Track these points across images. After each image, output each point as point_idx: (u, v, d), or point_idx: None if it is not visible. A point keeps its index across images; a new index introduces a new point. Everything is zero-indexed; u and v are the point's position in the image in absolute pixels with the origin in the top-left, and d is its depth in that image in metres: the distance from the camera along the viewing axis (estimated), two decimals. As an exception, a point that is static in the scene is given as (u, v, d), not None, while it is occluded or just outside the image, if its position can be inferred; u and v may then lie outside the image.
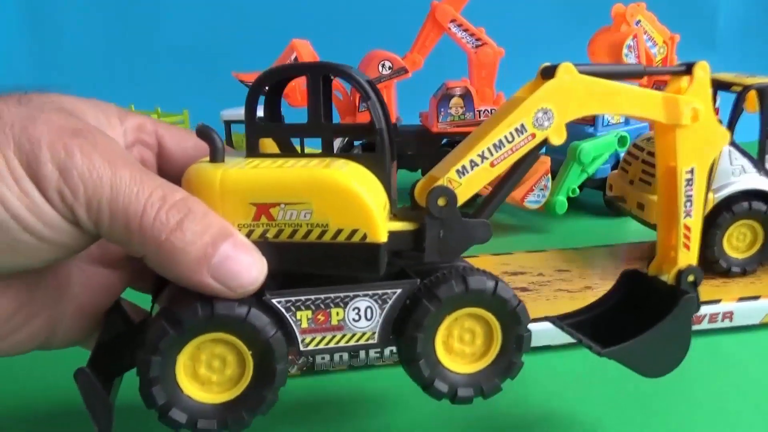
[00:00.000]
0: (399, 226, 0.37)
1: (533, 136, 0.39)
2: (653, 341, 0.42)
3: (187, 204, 0.33)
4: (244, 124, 0.38)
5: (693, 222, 0.43)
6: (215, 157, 0.36)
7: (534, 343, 0.59)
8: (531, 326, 0.59)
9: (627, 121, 1.10)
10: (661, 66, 1.16)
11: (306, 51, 1.18)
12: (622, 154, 0.94)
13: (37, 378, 0.56)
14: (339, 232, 0.35)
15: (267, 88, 0.40)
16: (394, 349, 0.56)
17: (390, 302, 0.37)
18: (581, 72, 0.39)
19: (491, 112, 1.15)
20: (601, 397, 0.53)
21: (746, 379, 0.56)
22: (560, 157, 1.00)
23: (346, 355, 0.56)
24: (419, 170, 1.21)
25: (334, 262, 0.35)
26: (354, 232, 0.35)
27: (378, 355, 0.57)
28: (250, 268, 0.33)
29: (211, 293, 0.33)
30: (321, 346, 0.37)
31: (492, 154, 0.39)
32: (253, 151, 0.38)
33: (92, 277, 0.40)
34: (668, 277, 0.44)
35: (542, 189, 0.95)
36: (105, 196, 0.31)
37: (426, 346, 0.37)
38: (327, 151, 0.38)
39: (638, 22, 1.23)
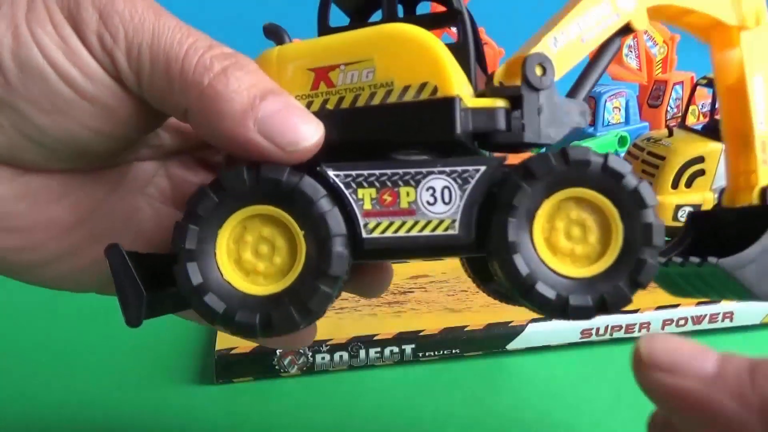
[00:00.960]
0: (486, 102, 0.31)
1: (618, 15, 0.35)
2: (763, 256, 0.35)
3: (235, 56, 0.29)
4: None
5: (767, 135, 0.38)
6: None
7: (534, 343, 0.60)
8: (531, 326, 0.59)
9: (627, 121, 1.10)
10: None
11: (306, 51, 1.18)
12: (622, 154, 0.94)
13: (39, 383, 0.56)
14: (406, 89, 0.30)
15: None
16: (395, 349, 0.57)
17: (472, 183, 0.30)
18: None
19: (491, 112, 1.15)
20: (601, 397, 0.53)
21: (746, 379, 0.56)
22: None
23: (346, 355, 0.56)
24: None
25: (404, 126, 0.30)
26: (423, 86, 0.30)
27: (378, 355, 0.57)
28: (305, 125, 0.29)
29: (258, 153, 0.29)
30: (388, 233, 0.30)
31: (580, 28, 0.34)
32: None
33: (164, 216, 0.36)
34: (754, 197, 0.39)
35: (542, 189, 0.95)
36: (146, 41, 0.28)
37: (521, 236, 0.29)
38: None
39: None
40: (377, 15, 0.36)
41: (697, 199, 0.69)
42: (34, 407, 0.52)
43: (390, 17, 0.33)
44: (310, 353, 0.55)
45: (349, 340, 0.56)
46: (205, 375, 0.56)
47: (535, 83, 0.31)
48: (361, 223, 0.30)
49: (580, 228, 0.30)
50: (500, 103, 0.32)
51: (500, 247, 0.29)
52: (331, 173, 0.30)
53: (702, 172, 0.69)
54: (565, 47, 0.34)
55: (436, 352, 0.58)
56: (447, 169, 0.30)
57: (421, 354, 0.58)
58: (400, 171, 0.30)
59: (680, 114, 1.14)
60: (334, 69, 0.30)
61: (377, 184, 0.30)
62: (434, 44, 0.30)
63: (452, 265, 0.76)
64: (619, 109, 1.09)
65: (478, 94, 0.32)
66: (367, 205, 0.30)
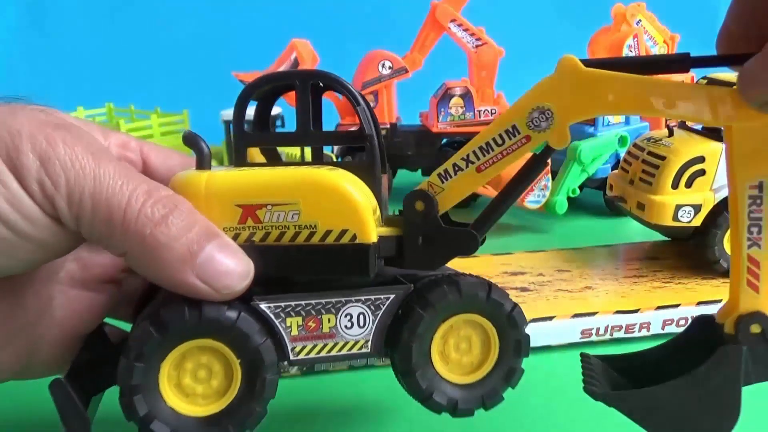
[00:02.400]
0: (384, 231, 0.36)
1: (528, 138, 0.34)
2: (671, 399, 0.34)
3: (172, 200, 0.31)
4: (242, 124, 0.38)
5: (763, 255, 0.32)
6: (202, 164, 0.35)
7: (534, 343, 0.60)
8: (531, 326, 0.59)
9: (627, 121, 1.10)
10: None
11: (306, 51, 1.18)
12: (622, 154, 0.94)
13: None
14: (328, 233, 0.33)
15: (257, 96, 0.39)
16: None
17: (383, 308, 0.35)
18: (588, 65, 0.33)
19: (491, 112, 1.16)
20: (601, 397, 0.52)
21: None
22: (560, 157, 1.00)
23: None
24: (419, 170, 1.21)
25: (324, 265, 0.34)
26: (343, 232, 0.33)
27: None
28: (237, 268, 0.32)
29: (195, 294, 0.31)
30: (312, 354, 0.35)
31: (478, 158, 0.35)
32: (240, 160, 0.37)
33: (74, 300, 0.38)
34: (726, 324, 0.35)
35: (542, 189, 0.95)
36: (87, 188, 0.29)
37: (421, 356, 0.36)
38: (316, 160, 0.38)
39: (639, 21, 1.23)
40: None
41: (698, 199, 0.69)
42: (33, 406, 0.52)
43: (304, 122, 0.36)
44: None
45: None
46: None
47: (412, 218, 0.36)
48: (289, 347, 0.35)
49: (467, 342, 0.37)
50: (393, 232, 0.36)
51: (405, 368, 0.36)
52: (263, 306, 0.34)
53: (702, 172, 0.69)
54: (456, 179, 0.36)
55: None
56: (362, 297, 0.35)
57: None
58: (323, 301, 0.35)
59: (680, 114, 1.14)
60: (261, 208, 0.33)
61: (303, 312, 0.34)
62: (355, 197, 0.33)
63: (452, 265, 0.76)
64: (619, 109, 1.09)
65: (386, 219, 0.37)
66: (294, 332, 0.34)
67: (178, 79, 1.76)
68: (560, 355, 0.60)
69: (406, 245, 0.36)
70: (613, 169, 1.02)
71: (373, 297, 0.35)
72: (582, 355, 0.40)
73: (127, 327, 0.42)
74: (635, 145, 0.81)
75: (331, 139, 0.38)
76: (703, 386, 0.34)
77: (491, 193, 1.00)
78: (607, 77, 0.32)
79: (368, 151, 0.37)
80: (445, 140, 1.19)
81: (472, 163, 0.35)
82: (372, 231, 0.34)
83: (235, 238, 0.33)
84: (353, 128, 0.39)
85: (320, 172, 0.34)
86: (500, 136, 0.35)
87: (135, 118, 1.38)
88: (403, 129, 1.19)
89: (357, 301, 0.35)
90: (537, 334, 0.60)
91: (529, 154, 0.36)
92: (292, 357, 0.35)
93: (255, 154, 0.40)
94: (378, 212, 0.37)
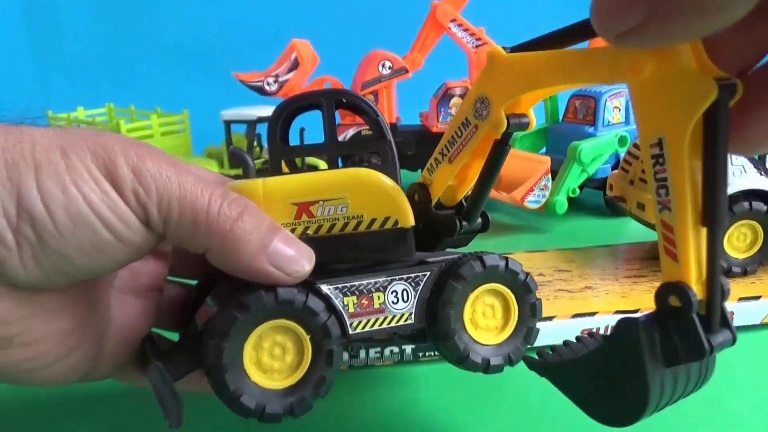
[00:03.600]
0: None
1: (476, 127, 0.39)
2: (589, 372, 0.34)
3: (243, 201, 0.36)
4: (243, 124, 0.40)
5: (676, 218, 0.29)
6: (248, 175, 0.40)
7: (534, 343, 0.60)
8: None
9: (627, 121, 1.10)
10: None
11: (306, 51, 1.18)
12: (622, 154, 0.94)
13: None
14: (373, 221, 0.39)
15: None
16: (395, 349, 0.57)
17: (422, 284, 0.41)
18: (513, 50, 0.36)
19: (491, 112, 1.16)
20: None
21: (746, 379, 0.56)
22: (560, 157, 1.00)
23: (346, 355, 0.56)
24: (419, 170, 1.21)
25: (371, 249, 0.39)
26: (386, 219, 0.39)
27: (378, 355, 0.57)
28: (301, 255, 0.37)
29: (269, 279, 0.36)
30: (368, 328, 0.40)
31: (448, 150, 0.41)
32: (277, 172, 0.41)
33: (128, 305, 0.41)
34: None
35: (542, 189, 0.95)
36: (174, 194, 0.34)
37: (457, 322, 0.41)
38: (332, 166, 0.42)
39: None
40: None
41: (697, 199, 0.70)
42: (34, 405, 0.52)
43: (331, 134, 0.41)
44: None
45: (349, 340, 0.56)
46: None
47: (414, 207, 0.41)
48: (348, 322, 0.39)
49: (491, 309, 0.43)
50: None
51: (445, 333, 0.41)
52: (324, 288, 0.39)
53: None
54: (438, 171, 0.43)
55: (436, 352, 0.58)
56: (405, 276, 0.41)
57: (421, 354, 0.58)
58: (373, 281, 0.40)
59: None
60: (314, 204, 0.38)
61: (357, 292, 0.40)
62: (393, 186, 0.39)
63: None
64: (619, 109, 1.09)
65: None
66: (351, 309, 0.39)
67: (178, 79, 1.76)
68: (560, 355, 0.60)
69: (415, 231, 0.41)
70: (613, 169, 1.03)
71: (413, 275, 0.41)
72: (565, 341, 0.42)
73: (167, 335, 0.45)
74: (635, 145, 0.81)
75: (355, 147, 0.45)
76: (608, 360, 0.33)
77: (491, 193, 1.00)
78: (522, 57, 0.35)
79: (388, 154, 0.42)
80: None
81: (445, 155, 0.42)
82: (410, 216, 0.40)
83: (292, 232, 0.38)
84: (358, 129, 0.43)
85: (362, 170, 0.39)
86: (459, 128, 0.40)
87: (135, 118, 1.38)
88: (403, 129, 1.19)
89: (400, 279, 0.40)
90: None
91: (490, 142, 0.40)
92: (351, 331, 0.39)
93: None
94: None
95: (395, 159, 0.42)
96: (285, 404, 0.38)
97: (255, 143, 1.09)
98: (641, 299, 0.65)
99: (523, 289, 0.43)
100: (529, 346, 0.43)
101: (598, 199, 1.09)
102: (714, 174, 0.28)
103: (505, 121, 0.38)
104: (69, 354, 0.36)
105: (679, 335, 0.30)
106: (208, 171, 0.45)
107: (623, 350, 0.32)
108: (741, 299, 0.64)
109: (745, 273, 0.71)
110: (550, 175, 0.96)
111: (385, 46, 1.17)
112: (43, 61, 1.85)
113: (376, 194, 0.39)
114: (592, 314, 0.61)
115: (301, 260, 0.37)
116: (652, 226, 0.74)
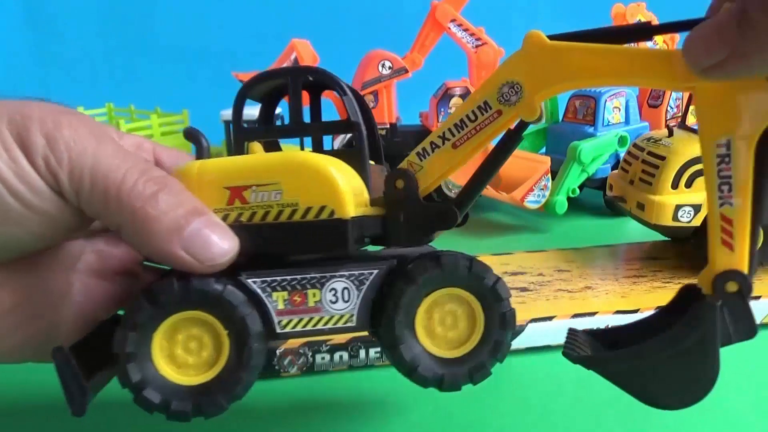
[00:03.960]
0: (369, 210, 0.38)
1: (499, 113, 0.35)
2: (650, 358, 0.34)
3: (164, 180, 0.34)
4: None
5: (736, 212, 0.32)
6: (201, 156, 0.38)
7: (534, 343, 0.60)
8: (531, 326, 0.59)
9: (627, 121, 1.10)
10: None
11: (306, 51, 1.18)
12: (622, 154, 0.94)
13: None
14: (308, 210, 0.35)
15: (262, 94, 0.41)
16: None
17: (367, 284, 0.37)
18: (554, 38, 0.34)
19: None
20: (601, 397, 0.53)
21: (746, 379, 0.56)
22: (560, 157, 1.00)
23: (346, 355, 0.56)
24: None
25: (305, 241, 0.35)
26: (322, 209, 0.35)
27: (378, 355, 0.57)
28: (221, 243, 0.34)
29: (180, 265, 0.33)
30: (298, 328, 0.36)
31: (453, 135, 0.37)
32: (239, 153, 0.39)
33: (92, 288, 0.40)
34: (704, 285, 0.34)
35: (542, 189, 0.95)
36: (87, 165, 0.32)
37: (405, 330, 0.37)
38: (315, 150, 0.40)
39: (639, 21, 1.23)
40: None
41: (698, 199, 0.69)
42: (35, 405, 0.52)
43: (296, 115, 0.38)
44: (310, 353, 0.55)
45: (349, 340, 0.56)
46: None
47: (394, 196, 0.37)
48: (276, 320, 0.36)
49: (452, 317, 0.38)
50: (378, 211, 0.38)
51: (390, 342, 0.36)
52: (249, 281, 0.36)
53: (702, 172, 0.69)
54: (434, 156, 0.37)
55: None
56: (346, 273, 0.36)
57: (421, 354, 0.58)
58: (308, 276, 0.36)
59: (680, 114, 1.14)
60: (247, 189, 0.35)
61: (288, 287, 0.36)
62: (332, 172, 0.35)
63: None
64: (619, 109, 1.09)
65: (374, 200, 0.38)
66: (281, 306, 0.36)
67: (178, 79, 1.76)
68: (560, 355, 0.60)
69: (389, 223, 0.37)
70: (613, 169, 1.03)
71: (356, 272, 0.36)
72: (570, 329, 0.41)
73: None
74: (635, 145, 0.81)
75: (321, 129, 0.40)
76: (679, 345, 0.34)
77: (491, 193, 1.00)
78: (570, 47, 0.33)
79: (356, 138, 0.38)
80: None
81: (448, 140, 0.37)
82: (349, 206, 0.35)
83: (224, 219, 0.35)
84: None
85: (300, 153, 0.36)
86: (473, 112, 0.36)
87: (135, 118, 1.38)
88: (403, 129, 1.19)
89: (341, 276, 0.36)
90: (537, 334, 0.60)
91: (503, 130, 0.37)
92: (278, 330, 0.36)
93: (258, 150, 0.42)
94: (366, 195, 0.38)
95: (364, 143, 0.38)
96: (194, 403, 0.35)
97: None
98: (641, 299, 0.65)
99: (490, 296, 0.37)
100: (498, 363, 0.38)
101: (598, 199, 1.09)
102: (765, 177, 0.32)
103: (539, 109, 0.35)
104: (14, 330, 0.36)
105: (733, 317, 0.34)
106: (182, 153, 0.43)
107: (697, 333, 0.33)
108: (741, 299, 0.64)
109: (745, 273, 0.71)
110: (550, 175, 0.96)
111: (385, 46, 1.17)
112: (43, 61, 1.85)
113: (310, 180, 0.35)
114: (592, 314, 0.61)
115: (220, 248, 0.34)
116: (651, 226, 0.74)
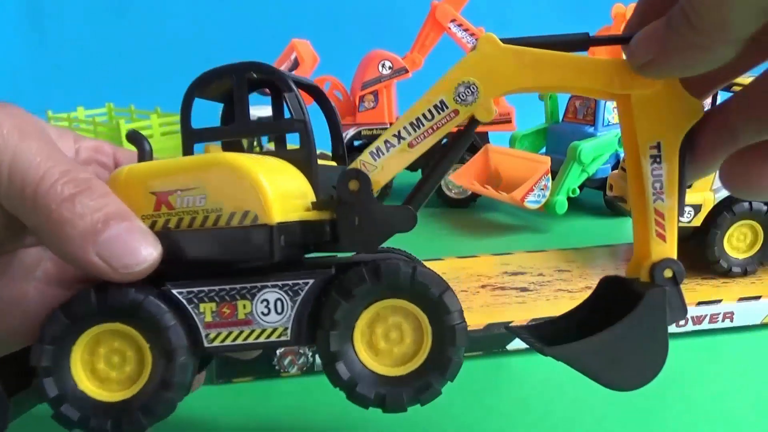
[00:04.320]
0: (314, 215, 0.35)
1: (456, 112, 0.35)
2: (612, 344, 0.36)
3: (88, 182, 0.32)
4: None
5: (666, 207, 0.35)
6: (143, 160, 0.36)
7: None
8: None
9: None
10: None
11: (306, 51, 1.18)
12: (622, 154, 0.94)
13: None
14: (232, 215, 0.33)
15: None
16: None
17: (302, 295, 0.34)
18: (506, 42, 0.35)
19: (491, 112, 1.16)
20: (601, 398, 0.52)
21: (746, 379, 0.56)
22: (560, 157, 1.00)
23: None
24: (419, 170, 1.21)
25: (230, 248, 0.33)
26: (245, 214, 0.33)
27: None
28: (139, 250, 0.32)
29: (94, 272, 0.32)
30: (227, 342, 0.34)
31: (409, 134, 0.36)
32: (188, 155, 0.37)
33: (49, 297, 0.39)
34: (642, 275, 0.37)
35: (542, 189, 0.95)
36: (6, 160, 0.31)
37: (343, 345, 0.34)
38: (282, 151, 0.38)
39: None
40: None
41: (698, 199, 0.69)
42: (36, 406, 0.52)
43: (241, 114, 0.37)
44: (310, 353, 0.55)
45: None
46: (206, 375, 0.56)
47: (347, 198, 0.35)
48: (203, 334, 0.34)
49: (397, 331, 0.35)
50: (325, 216, 0.35)
51: (325, 358, 0.34)
52: (174, 291, 0.33)
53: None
54: (389, 156, 0.36)
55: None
56: (279, 283, 0.34)
57: (421, 354, 0.58)
58: (237, 286, 0.34)
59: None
60: (172, 194, 0.33)
61: (217, 298, 0.34)
62: (255, 174, 0.32)
63: (452, 265, 0.76)
64: (619, 109, 1.09)
65: (316, 203, 0.36)
66: (208, 318, 0.34)
67: (178, 79, 1.76)
68: (560, 355, 0.60)
69: (341, 227, 0.35)
70: (613, 169, 1.03)
71: (290, 282, 0.34)
72: (508, 328, 0.42)
73: None
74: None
75: (267, 128, 0.39)
76: (637, 328, 0.36)
77: (491, 193, 1.00)
78: (523, 51, 0.35)
79: (302, 137, 0.37)
80: (445, 140, 1.19)
81: (404, 138, 0.36)
82: (273, 211, 0.33)
83: (152, 226, 0.33)
84: (358, 129, 0.39)
85: (222, 155, 0.34)
86: (429, 111, 0.36)
87: (135, 118, 1.38)
88: (403, 129, 1.19)
89: (273, 286, 0.34)
90: (537, 334, 0.60)
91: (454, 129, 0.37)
92: (206, 344, 0.34)
93: (215, 150, 0.40)
94: (309, 198, 0.36)
95: (311, 142, 0.37)
96: (114, 420, 0.32)
97: (255, 143, 1.09)
98: (641, 299, 0.65)
99: (437, 308, 0.34)
100: (445, 384, 0.35)
101: (598, 199, 1.09)
102: (683, 175, 0.35)
103: (494, 110, 0.36)
104: None
105: (669, 301, 0.36)
106: (132, 153, 0.41)
107: (650, 317, 0.36)
108: (741, 299, 0.64)
109: (745, 273, 0.71)
110: (550, 175, 0.96)
111: (385, 46, 1.17)
112: (43, 61, 1.85)
113: (232, 184, 0.32)
114: (592, 314, 0.61)
115: (137, 255, 0.32)
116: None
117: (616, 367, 0.37)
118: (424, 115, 0.36)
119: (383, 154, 0.36)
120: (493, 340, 0.59)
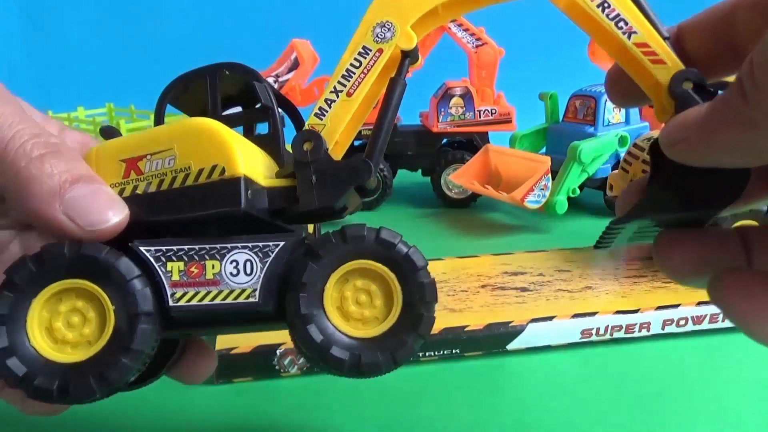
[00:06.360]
0: (279, 182, 0.36)
1: (380, 51, 0.37)
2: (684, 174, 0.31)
3: (57, 146, 0.33)
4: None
5: (645, 35, 0.35)
6: None
7: (534, 343, 0.60)
8: (531, 326, 0.59)
9: (627, 121, 1.10)
10: None
11: (306, 51, 1.18)
12: (622, 154, 0.94)
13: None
14: (200, 172, 0.34)
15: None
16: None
17: (272, 256, 0.34)
18: None
19: (491, 112, 1.15)
20: (601, 398, 0.53)
21: (746, 379, 0.56)
22: (560, 157, 1.00)
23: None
24: (419, 170, 1.21)
25: (199, 204, 0.33)
26: (213, 168, 0.33)
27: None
28: (106, 208, 0.32)
29: (60, 230, 0.32)
30: (194, 302, 0.33)
31: (344, 85, 0.37)
32: None
33: None
34: (668, 107, 0.34)
35: (542, 189, 0.95)
36: None
37: (313, 309, 0.34)
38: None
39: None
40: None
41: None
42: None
43: (213, 111, 0.38)
44: (310, 353, 0.55)
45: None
46: (205, 375, 0.56)
47: (303, 158, 0.35)
48: (169, 292, 0.33)
49: (366, 294, 0.35)
50: (289, 182, 0.36)
51: (296, 321, 0.33)
52: (142, 249, 0.33)
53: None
54: (333, 111, 0.37)
55: (436, 352, 0.58)
56: (249, 244, 0.34)
57: (421, 354, 0.58)
58: (207, 246, 0.34)
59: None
60: (141, 159, 0.34)
61: (185, 257, 0.33)
62: (223, 132, 0.34)
63: (452, 264, 0.76)
64: (620, 109, 1.09)
65: (279, 172, 0.37)
66: (175, 276, 0.33)
67: (178, 79, 1.75)
68: (560, 355, 0.60)
69: (300, 186, 0.35)
70: (613, 169, 1.03)
71: (260, 244, 0.34)
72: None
73: None
74: (635, 145, 0.81)
75: (237, 119, 0.40)
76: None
77: (491, 193, 1.00)
78: None
79: (269, 122, 0.38)
80: (445, 140, 1.19)
81: (341, 91, 0.37)
82: (239, 163, 0.33)
83: (120, 193, 0.34)
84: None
85: (192, 119, 0.35)
86: (356, 59, 0.37)
87: (135, 118, 1.38)
88: (403, 129, 1.19)
89: (243, 247, 0.34)
90: (537, 334, 0.60)
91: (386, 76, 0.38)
92: (171, 303, 0.33)
93: None
94: (275, 170, 0.38)
95: (278, 129, 0.38)
96: (61, 382, 0.31)
97: None
98: (641, 299, 0.65)
99: (405, 265, 0.34)
100: (421, 342, 0.35)
101: (598, 199, 1.09)
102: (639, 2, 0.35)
103: (415, 36, 0.37)
104: None
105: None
106: (73, 131, 0.41)
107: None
108: (741, 299, 0.64)
109: (745, 273, 0.71)
110: (550, 175, 0.96)
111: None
112: (43, 61, 1.85)
113: (201, 141, 0.34)
114: (592, 314, 0.61)
115: (104, 214, 0.32)
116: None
117: (698, 191, 0.32)
118: (352, 65, 0.37)
119: (326, 111, 0.37)
120: (493, 340, 0.59)
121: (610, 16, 0.36)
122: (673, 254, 0.32)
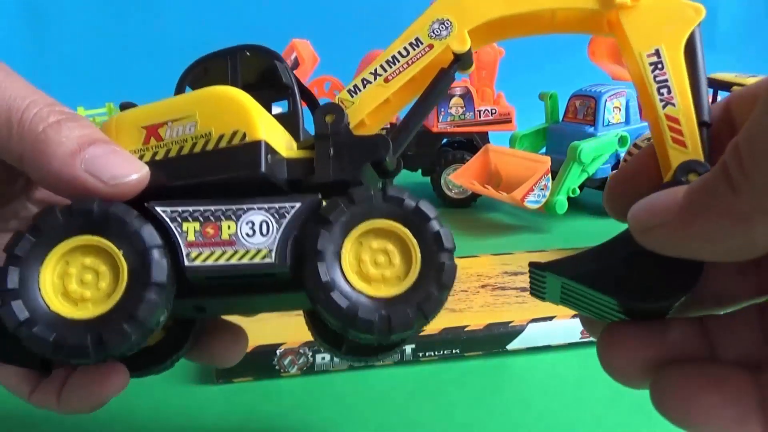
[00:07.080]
0: (298, 153, 0.37)
1: (430, 46, 0.37)
2: (620, 255, 0.33)
3: (72, 114, 0.33)
4: None
5: (680, 111, 0.34)
6: None
7: (534, 343, 0.60)
8: (531, 326, 0.59)
9: (627, 121, 1.10)
10: None
11: (306, 51, 1.18)
12: (622, 154, 0.94)
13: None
14: (221, 137, 0.34)
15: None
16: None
17: (288, 217, 0.34)
18: None
19: (491, 112, 1.16)
20: (601, 398, 0.53)
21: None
22: (560, 157, 1.00)
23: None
24: (419, 170, 1.21)
25: (218, 168, 0.33)
26: (234, 133, 0.33)
27: (378, 355, 0.56)
28: (127, 164, 0.33)
29: (83, 189, 0.32)
30: (209, 262, 0.33)
31: (385, 70, 0.38)
32: None
33: None
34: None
35: (542, 189, 0.95)
36: None
37: (333, 275, 0.33)
38: None
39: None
40: None
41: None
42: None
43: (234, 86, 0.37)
44: (310, 353, 0.55)
45: (349, 340, 0.56)
46: (206, 375, 0.56)
47: (323, 130, 0.35)
48: (184, 252, 0.33)
49: (384, 254, 0.34)
50: (308, 154, 0.36)
51: (317, 289, 0.32)
52: (158, 209, 0.33)
53: (702, 172, 0.69)
54: (366, 92, 0.38)
55: (436, 352, 0.58)
56: (265, 205, 0.34)
57: (421, 354, 0.58)
58: (223, 207, 0.34)
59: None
60: (162, 126, 0.34)
61: (201, 218, 0.33)
62: (244, 99, 0.34)
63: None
64: (620, 109, 1.09)
65: (300, 144, 0.37)
66: (191, 237, 0.33)
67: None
68: (560, 355, 0.60)
69: (317, 157, 0.35)
70: (613, 169, 1.03)
71: (277, 205, 0.34)
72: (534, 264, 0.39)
73: None
74: (635, 145, 0.81)
75: (257, 99, 0.38)
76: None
77: (491, 193, 1.00)
78: None
79: (288, 101, 0.39)
80: (445, 140, 1.19)
81: (380, 75, 0.38)
82: (260, 128, 0.34)
83: (140, 159, 0.34)
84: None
85: (215, 87, 0.35)
86: (405, 48, 0.38)
87: (135, 118, 1.38)
88: (403, 129, 1.19)
89: (260, 208, 0.34)
90: (537, 334, 0.60)
91: (434, 70, 0.38)
92: (186, 263, 0.33)
93: None
94: (294, 145, 0.38)
95: (298, 106, 0.38)
96: (93, 334, 0.31)
97: None
98: (641, 299, 0.65)
99: (416, 218, 0.34)
100: (447, 292, 0.34)
101: (598, 199, 1.09)
102: (697, 76, 0.35)
103: (469, 41, 0.36)
104: None
105: None
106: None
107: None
108: (741, 299, 0.64)
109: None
110: (550, 175, 0.96)
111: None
112: (43, 61, 1.85)
113: (222, 107, 0.34)
114: (592, 314, 0.61)
115: (126, 168, 0.32)
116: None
117: (632, 280, 0.32)
118: (399, 53, 0.38)
119: (359, 90, 0.38)
120: (493, 340, 0.59)
121: (657, 79, 0.35)
122: (618, 353, 0.31)
